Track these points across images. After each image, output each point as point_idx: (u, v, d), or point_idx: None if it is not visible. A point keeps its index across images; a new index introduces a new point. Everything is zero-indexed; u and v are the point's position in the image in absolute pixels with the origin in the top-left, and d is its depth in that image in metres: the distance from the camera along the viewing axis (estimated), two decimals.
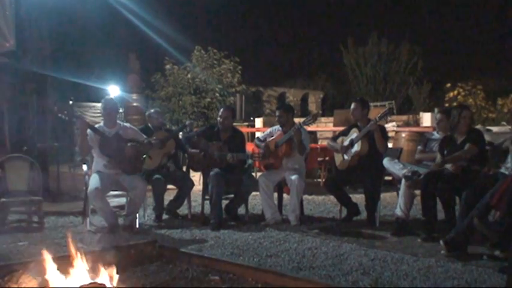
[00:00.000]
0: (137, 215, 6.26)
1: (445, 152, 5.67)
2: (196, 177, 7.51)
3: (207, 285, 3.84)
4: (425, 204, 5.56)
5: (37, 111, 9.04)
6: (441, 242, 4.92)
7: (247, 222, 6.56)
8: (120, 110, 10.71)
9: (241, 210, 6.83)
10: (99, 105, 12.22)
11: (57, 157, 8.91)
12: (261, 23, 33.49)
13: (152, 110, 7.35)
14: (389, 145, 7.08)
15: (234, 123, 7.32)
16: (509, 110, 19.58)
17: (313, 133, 11.39)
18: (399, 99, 21.32)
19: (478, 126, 6.55)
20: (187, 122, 7.88)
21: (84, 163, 6.61)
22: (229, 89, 18.64)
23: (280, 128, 6.82)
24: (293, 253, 5.01)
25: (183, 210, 7.08)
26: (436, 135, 6.30)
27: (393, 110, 7.73)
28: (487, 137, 6.17)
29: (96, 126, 6.16)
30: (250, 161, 6.90)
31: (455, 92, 21.48)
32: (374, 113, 9.53)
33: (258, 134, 8.64)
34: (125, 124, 6.44)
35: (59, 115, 6.10)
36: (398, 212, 5.87)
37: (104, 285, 3.31)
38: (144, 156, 6.39)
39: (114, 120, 6.31)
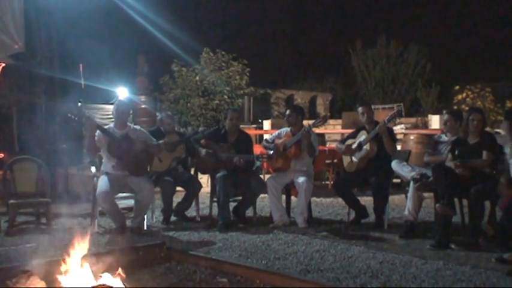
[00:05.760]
0: (145, 217, 6.27)
1: (456, 152, 5.62)
2: (204, 179, 7.51)
3: (215, 287, 3.85)
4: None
5: (45, 113, 9.08)
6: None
7: (255, 224, 6.55)
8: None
9: (249, 212, 6.82)
10: (108, 107, 12.28)
11: (65, 159, 8.92)
12: (269, 25, 33.49)
13: (164, 114, 7.38)
14: (398, 147, 7.06)
15: (242, 126, 7.32)
16: None
17: (321, 135, 11.37)
18: (407, 102, 21.27)
19: (487, 129, 6.50)
20: (200, 129, 7.88)
21: (93, 165, 6.63)
22: (237, 91, 18.66)
23: (288, 130, 6.80)
24: (301, 255, 5.00)
25: (191, 212, 7.09)
26: (445, 137, 6.25)
27: (402, 112, 7.68)
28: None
29: (106, 127, 6.17)
30: (258, 163, 6.89)
31: (464, 95, 21.34)
32: (382, 115, 9.51)
33: (266, 136, 8.65)
34: (135, 126, 6.44)
35: (68, 115, 6.12)
36: (407, 214, 5.84)
37: (112, 287, 3.32)
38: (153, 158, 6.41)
39: (125, 122, 6.32)
